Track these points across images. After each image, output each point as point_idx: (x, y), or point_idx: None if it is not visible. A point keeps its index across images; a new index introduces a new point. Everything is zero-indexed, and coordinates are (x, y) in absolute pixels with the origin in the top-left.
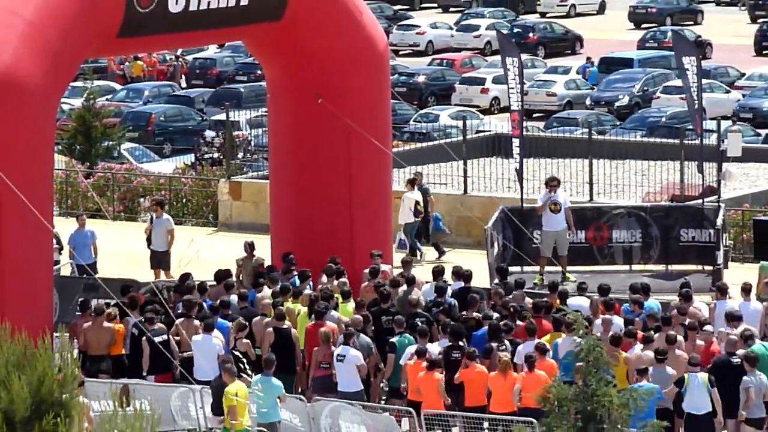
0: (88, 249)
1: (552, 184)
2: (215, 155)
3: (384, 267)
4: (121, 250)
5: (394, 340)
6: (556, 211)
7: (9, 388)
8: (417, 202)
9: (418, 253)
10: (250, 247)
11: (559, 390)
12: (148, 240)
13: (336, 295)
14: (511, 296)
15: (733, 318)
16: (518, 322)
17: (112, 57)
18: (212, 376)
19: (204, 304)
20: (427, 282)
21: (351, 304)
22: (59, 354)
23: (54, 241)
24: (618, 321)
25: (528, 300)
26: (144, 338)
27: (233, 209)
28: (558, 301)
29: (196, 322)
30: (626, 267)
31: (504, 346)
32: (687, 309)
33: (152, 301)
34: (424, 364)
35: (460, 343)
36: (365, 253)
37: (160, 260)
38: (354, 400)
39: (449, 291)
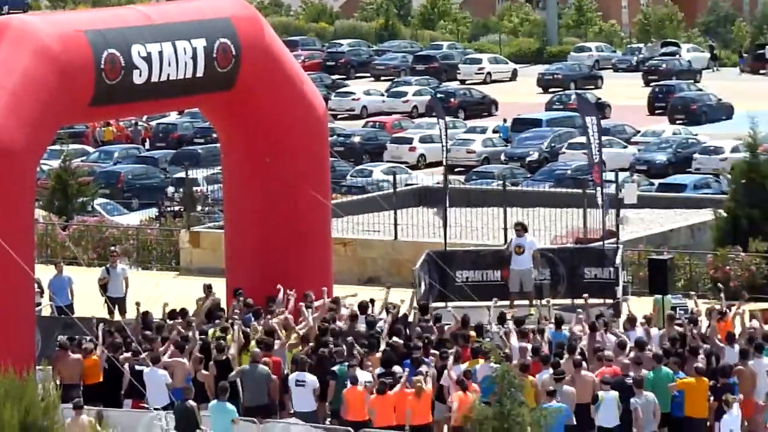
0: (65, 292)
1: (517, 228)
2: (177, 208)
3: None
4: (94, 293)
5: (335, 368)
6: (519, 253)
7: (0, 416)
8: None
9: None
10: (207, 288)
11: (480, 411)
12: (103, 288)
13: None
14: (430, 329)
15: (641, 345)
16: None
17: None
18: (163, 403)
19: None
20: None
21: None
22: (42, 385)
23: (35, 285)
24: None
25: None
26: (126, 365)
27: (193, 255)
28: (474, 333)
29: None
30: (537, 302)
31: (428, 370)
32: (595, 337)
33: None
34: (360, 388)
35: (393, 370)
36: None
37: (117, 305)
38: (311, 420)
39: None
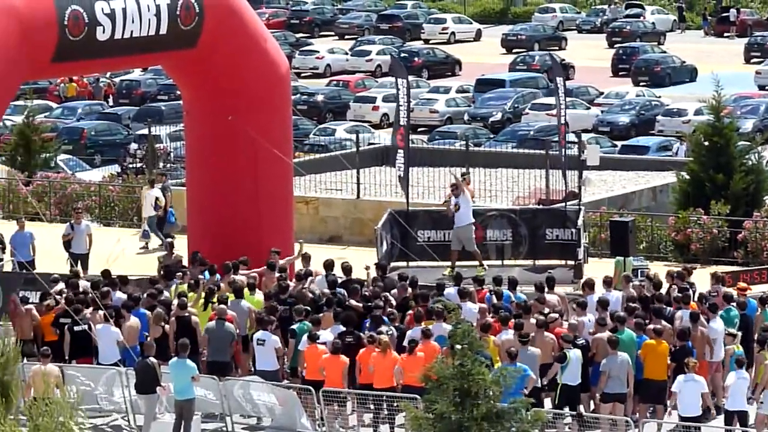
0: (27, 248)
1: (452, 187)
2: (139, 165)
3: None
4: (57, 250)
5: (294, 327)
6: (457, 210)
7: None
8: (157, 198)
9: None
10: (170, 246)
11: (439, 368)
12: (66, 244)
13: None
14: (393, 289)
15: (604, 304)
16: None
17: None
18: (113, 360)
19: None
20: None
21: (258, 295)
22: (1, 340)
23: None
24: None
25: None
26: (66, 327)
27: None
28: (436, 291)
29: (100, 313)
30: (499, 262)
31: (390, 331)
32: (544, 299)
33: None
34: (321, 348)
35: (353, 330)
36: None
37: (80, 261)
38: (272, 379)
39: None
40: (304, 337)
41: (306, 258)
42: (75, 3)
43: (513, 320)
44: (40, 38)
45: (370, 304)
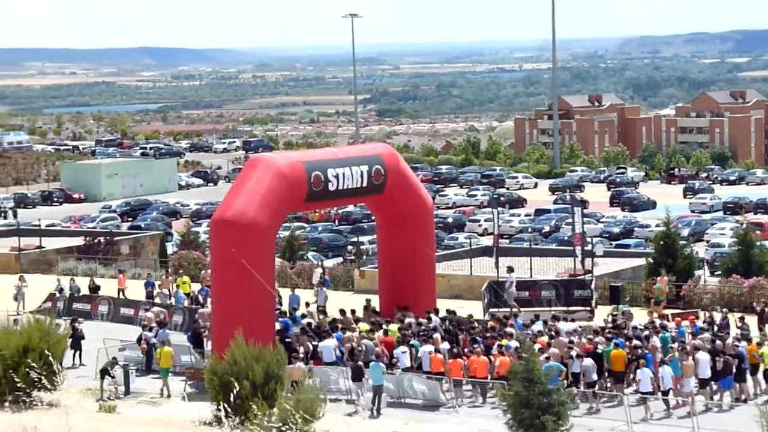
0: (295, 305)
1: (508, 270)
2: (352, 257)
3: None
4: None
5: (412, 342)
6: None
7: (252, 369)
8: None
9: None
10: (367, 301)
11: (513, 367)
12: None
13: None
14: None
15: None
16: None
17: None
18: (331, 360)
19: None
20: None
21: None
22: (272, 354)
23: (276, 300)
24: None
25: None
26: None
27: (361, 283)
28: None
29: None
30: (549, 308)
31: (480, 346)
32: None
33: None
34: (439, 356)
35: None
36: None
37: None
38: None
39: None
40: (423, 348)
41: (367, 307)
42: (317, 169)
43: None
44: (297, 189)
45: (471, 329)
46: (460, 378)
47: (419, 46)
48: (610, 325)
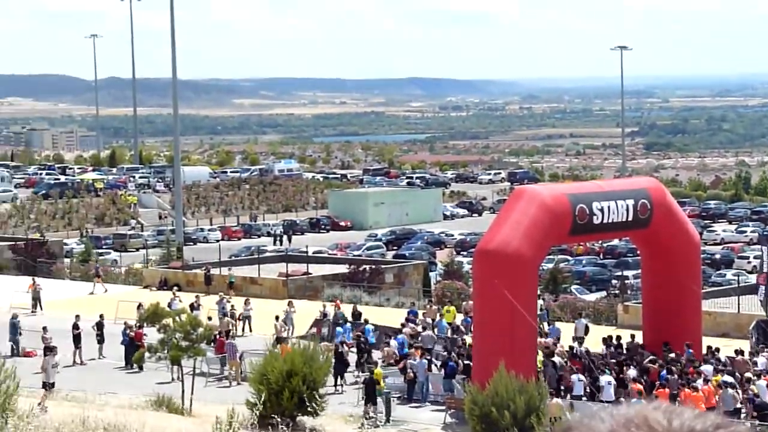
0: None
1: None
2: (617, 291)
3: None
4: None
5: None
6: None
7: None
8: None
9: None
10: (632, 336)
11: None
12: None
13: None
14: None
15: None
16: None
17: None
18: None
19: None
20: None
21: None
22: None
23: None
24: None
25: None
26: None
27: (625, 318)
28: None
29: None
30: None
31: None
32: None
33: None
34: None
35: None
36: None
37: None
38: None
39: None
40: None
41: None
42: (581, 202)
43: None
44: (561, 221)
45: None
46: None
47: (689, 79)
48: None
